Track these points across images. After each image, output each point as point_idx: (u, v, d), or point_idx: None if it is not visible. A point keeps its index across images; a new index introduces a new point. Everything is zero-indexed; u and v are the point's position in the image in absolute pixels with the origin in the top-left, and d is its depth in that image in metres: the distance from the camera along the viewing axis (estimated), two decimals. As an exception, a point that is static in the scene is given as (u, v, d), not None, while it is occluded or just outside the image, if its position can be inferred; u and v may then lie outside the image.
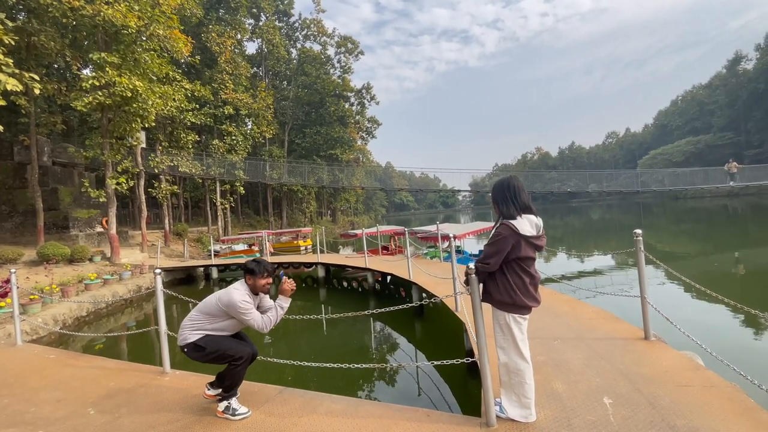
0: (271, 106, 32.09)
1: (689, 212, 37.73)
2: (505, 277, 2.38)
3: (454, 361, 2.86)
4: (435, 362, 3.44)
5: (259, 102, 28.91)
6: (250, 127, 29.07)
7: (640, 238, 3.54)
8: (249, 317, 2.74)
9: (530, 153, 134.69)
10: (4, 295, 7.26)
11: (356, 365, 3.29)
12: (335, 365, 3.34)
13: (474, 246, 13.58)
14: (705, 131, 65.86)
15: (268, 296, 3.06)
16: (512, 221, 2.38)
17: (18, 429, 2.80)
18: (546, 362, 3.26)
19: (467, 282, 2.41)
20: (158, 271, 3.76)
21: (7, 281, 5.19)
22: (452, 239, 5.39)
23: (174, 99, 21.65)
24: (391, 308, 3.51)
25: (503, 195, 2.48)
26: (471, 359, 2.57)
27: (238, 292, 2.76)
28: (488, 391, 2.39)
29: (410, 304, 3.71)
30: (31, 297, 8.23)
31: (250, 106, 27.96)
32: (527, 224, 2.39)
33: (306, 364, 3.68)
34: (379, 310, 3.67)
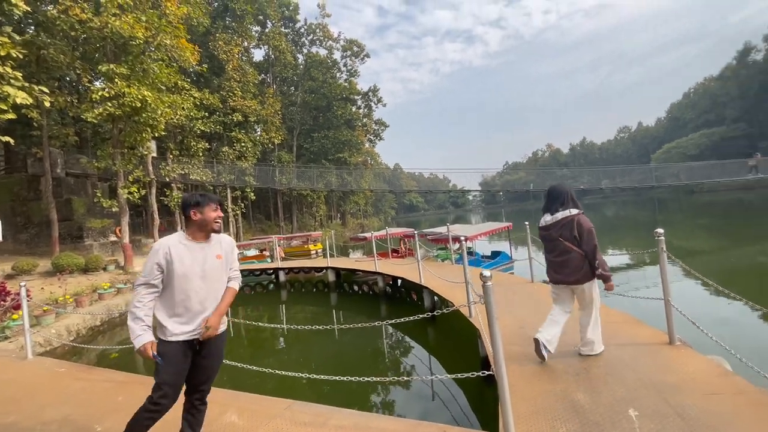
0: (279, 112, 32.33)
1: (706, 206, 36.76)
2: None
3: (470, 375, 2.72)
4: (449, 376, 3.31)
5: (267, 108, 29.14)
6: (259, 133, 29.26)
7: (662, 237, 3.37)
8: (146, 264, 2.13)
9: (541, 150, 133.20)
10: (17, 307, 7.34)
11: (367, 378, 3.18)
12: (346, 378, 3.23)
13: (486, 247, 13.34)
14: (718, 123, 64.25)
15: (234, 253, 2.37)
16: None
17: (25, 447, 2.76)
18: (566, 370, 3.11)
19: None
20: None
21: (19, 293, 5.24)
22: (463, 242, 5.25)
23: (183, 108, 21.93)
24: (403, 319, 3.41)
25: None
26: (486, 372, 2.42)
27: (166, 237, 2.20)
28: (506, 405, 2.25)
29: (421, 315, 3.60)
30: (44, 308, 8.31)
31: (259, 113, 28.19)
32: (542, 220, 3.52)
33: (315, 377, 3.58)
34: (390, 322, 3.57)
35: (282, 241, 25.39)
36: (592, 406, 2.52)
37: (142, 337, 2.06)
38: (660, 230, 3.41)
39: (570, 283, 3.26)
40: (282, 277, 13.25)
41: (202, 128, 24.26)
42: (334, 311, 10.65)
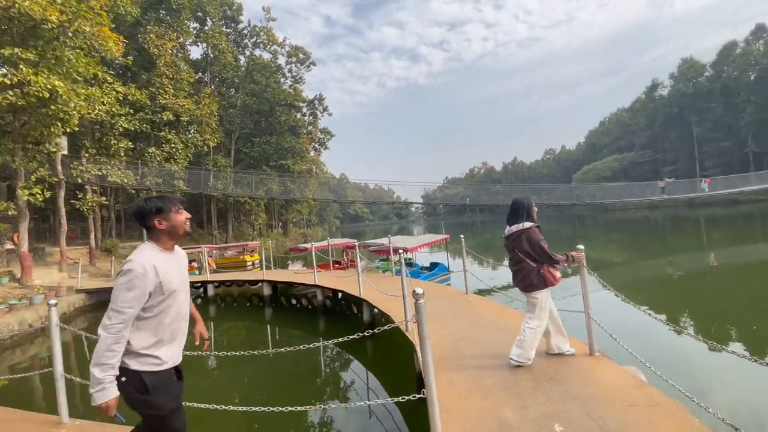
0: (216, 113, 30.58)
1: (617, 223, 41.25)
2: None
3: (400, 399, 2.59)
4: (380, 401, 3.17)
5: (203, 108, 27.41)
6: (192, 135, 27.35)
7: (583, 254, 3.57)
8: (121, 301, 1.71)
9: (477, 167, 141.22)
10: None
11: (300, 408, 2.93)
12: (275, 409, 2.95)
13: (427, 258, 13.57)
14: (629, 149, 73.05)
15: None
16: None
17: None
18: (496, 385, 3.13)
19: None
20: (53, 302, 3.17)
21: None
22: (401, 254, 5.21)
23: (103, 102, 19.87)
24: (338, 340, 3.21)
25: None
26: (417, 396, 2.32)
27: (141, 255, 1.80)
28: (436, 429, 2.16)
29: (358, 335, 3.44)
30: None
31: (193, 113, 26.41)
32: (505, 231, 3.73)
33: (239, 408, 3.22)
34: (326, 342, 3.35)
35: (214, 252, 23.79)
36: (519, 423, 2.53)
37: (108, 390, 1.68)
38: (581, 246, 3.62)
39: (522, 290, 3.57)
40: (211, 291, 12.29)
41: (126, 126, 22.09)
42: (268, 326, 10.06)
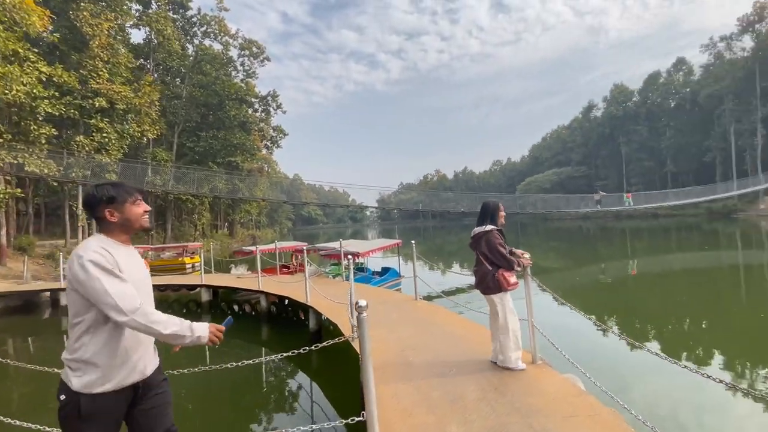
0: (157, 103, 28.42)
1: (555, 232, 44.15)
2: None
3: (338, 423, 2.40)
4: (322, 425, 2.95)
5: (142, 97, 25.30)
6: (128, 124, 25.13)
7: (530, 261, 3.62)
8: (109, 287, 1.46)
9: (431, 174, 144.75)
10: None
11: None
12: None
13: (378, 263, 13.43)
14: (566, 164, 78.77)
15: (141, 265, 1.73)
16: None
17: None
18: (442, 398, 3.03)
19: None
20: None
21: None
22: (350, 260, 5.02)
23: (23, 82, 17.73)
24: (280, 356, 2.94)
25: None
26: (356, 419, 2.13)
27: (89, 243, 1.55)
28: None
29: (305, 349, 3.20)
30: None
31: (130, 101, 24.27)
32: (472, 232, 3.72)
33: None
34: (267, 358, 3.06)
35: (150, 253, 21.97)
36: (465, 439, 2.45)
37: (196, 326, 1.58)
38: (527, 255, 3.67)
39: (481, 292, 3.62)
40: (143, 295, 11.20)
41: (49, 110, 19.78)
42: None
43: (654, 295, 11.23)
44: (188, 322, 1.56)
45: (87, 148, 22.90)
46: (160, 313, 1.53)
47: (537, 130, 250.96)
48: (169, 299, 12.71)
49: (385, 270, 12.19)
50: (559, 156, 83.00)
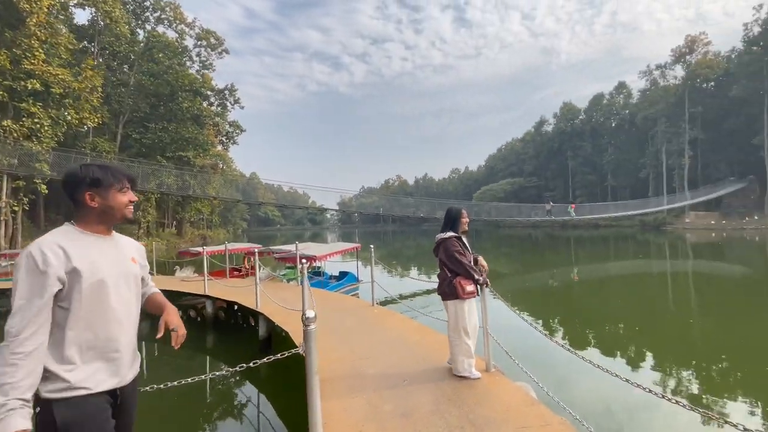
0: (100, 89, 26.24)
1: (507, 239, 46.05)
2: None
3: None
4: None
5: (83, 82, 23.24)
6: (66, 110, 22.95)
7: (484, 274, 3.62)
8: (20, 293, 1.25)
9: (392, 179, 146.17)
10: None
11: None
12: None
13: (337, 267, 13.11)
14: (519, 175, 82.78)
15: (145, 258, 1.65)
16: None
17: None
18: (394, 411, 2.92)
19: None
20: None
21: None
22: (303, 264, 4.79)
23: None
24: (223, 372, 2.67)
25: None
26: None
27: (47, 236, 1.36)
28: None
29: (255, 362, 2.93)
30: None
31: (69, 85, 22.20)
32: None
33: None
34: (212, 375, 2.77)
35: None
36: (417, 456, 2.34)
37: (8, 420, 1.12)
38: (484, 262, 3.67)
39: (441, 297, 3.59)
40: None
41: (-32, 89, 17.60)
42: (143, 344, 8.60)
43: (594, 300, 11.98)
44: (14, 410, 1.15)
45: (15, 134, 20.60)
46: (14, 371, 1.17)
47: (493, 141, 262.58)
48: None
49: (343, 274, 11.95)
50: (512, 167, 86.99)
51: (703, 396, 5.08)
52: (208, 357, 7.81)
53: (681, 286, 14.08)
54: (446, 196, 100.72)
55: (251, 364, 2.50)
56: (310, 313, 1.79)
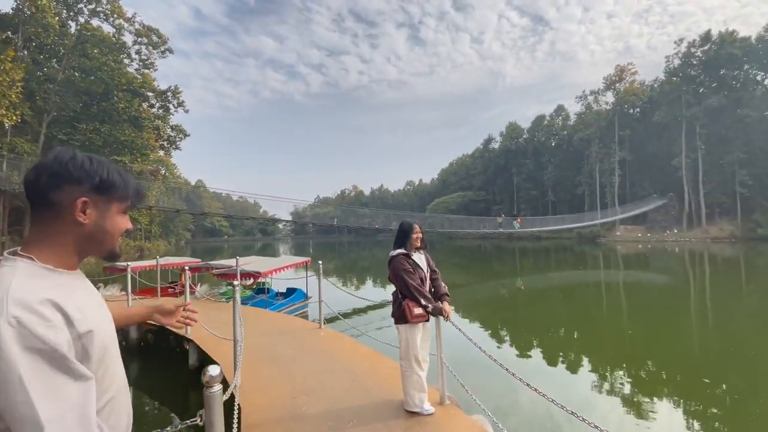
0: (19, 84, 23.38)
1: (458, 249, 47.25)
2: None
3: None
4: None
5: (0, 75, 20.56)
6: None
7: (450, 307, 3.35)
8: (40, 402, 0.70)
9: (348, 189, 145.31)
10: None
11: None
12: None
13: (285, 283, 12.25)
14: (469, 188, 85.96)
15: None
16: None
17: None
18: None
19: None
20: None
21: None
22: (236, 285, 4.24)
23: None
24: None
25: None
26: None
27: (11, 284, 0.77)
28: None
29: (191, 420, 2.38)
30: None
31: (-22, 77, 19.51)
32: None
33: None
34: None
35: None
36: None
37: None
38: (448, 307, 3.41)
39: (394, 320, 3.25)
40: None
41: None
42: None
43: (539, 309, 12.40)
44: None
45: None
46: None
47: (446, 155, 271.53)
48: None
49: (291, 291, 11.27)
50: (463, 181, 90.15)
51: (637, 397, 5.18)
52: (132, 389, 6.84)
53: (613, 294, 15.05)
54: (402, 207, 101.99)
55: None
56: (213, 371, 1.36)
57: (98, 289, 10.45)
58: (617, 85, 61.20)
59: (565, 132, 72.10)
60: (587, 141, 62.58)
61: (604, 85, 62.65)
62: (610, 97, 62.65)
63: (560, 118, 74.79)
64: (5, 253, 0.88)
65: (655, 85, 58.41)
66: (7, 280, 0.77)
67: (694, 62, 50.82)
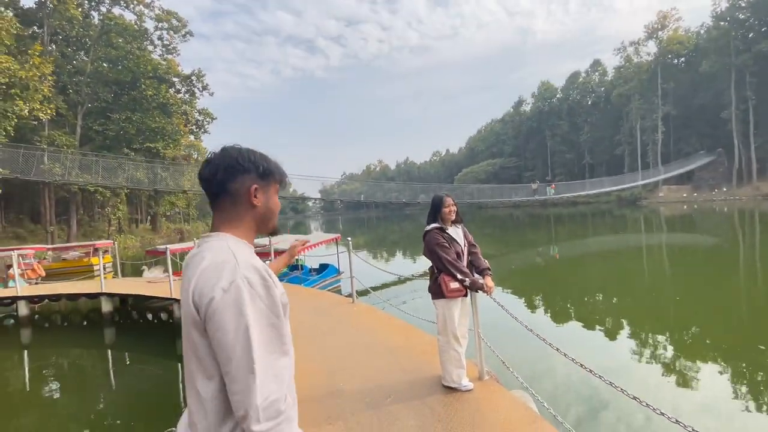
0: (50, 78, 24.33)
1: (490, 219, 46.37)
2: None
3: None
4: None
5: (30, 69, 21.42)
6: (13, 102, 21.18)
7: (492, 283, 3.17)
8: (260, 353, 0.83)
9: (373, 165, 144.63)
10: None
11: None
12: None
13: (317, 259, 12.38)
14: (499, 155, 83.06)
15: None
16: None
17: None
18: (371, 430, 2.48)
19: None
20: None
21: None
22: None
23: None
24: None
25: None
26: None
27: (238, 250, 0.95)
28: None
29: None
30: None
31: (14, 74, 20.41)
32: None
33: None
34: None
35: (49, 253, 18.92)
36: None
37: None
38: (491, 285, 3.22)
39: (431, 296, 3.16)
40: (24, 309, 9.26)
41: None
42: (109, 352, 7.97)
43: (578, 278, 11.95)
44: None
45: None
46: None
47: (473, 122, 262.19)
48: (62, 310, 10.78)
49: (323, 267, 11.45)
50: (492, 148, 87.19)
51: (695, 367, 4.88)
52: (179, 364, 7.26)
53: (656, 259, 14.27)
54: (428, 179, 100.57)
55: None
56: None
57: (142, 271, 11.01)
58: (660, 33, 55.92)
59: (603, 89, 67.48)
60: (627, 97, 58.36)
61: (645, 34, 57.48)
62: (651, 47, 57.60)
63: (597, 73, 69.95)
64: (202, 236, 1.05)
65: (702, 32, 53.02)
66: (232, 248, 0.92)
67: (743, 4, 45.48)
